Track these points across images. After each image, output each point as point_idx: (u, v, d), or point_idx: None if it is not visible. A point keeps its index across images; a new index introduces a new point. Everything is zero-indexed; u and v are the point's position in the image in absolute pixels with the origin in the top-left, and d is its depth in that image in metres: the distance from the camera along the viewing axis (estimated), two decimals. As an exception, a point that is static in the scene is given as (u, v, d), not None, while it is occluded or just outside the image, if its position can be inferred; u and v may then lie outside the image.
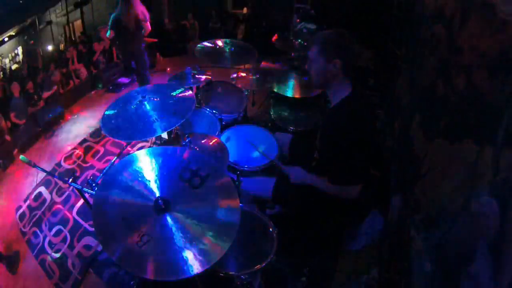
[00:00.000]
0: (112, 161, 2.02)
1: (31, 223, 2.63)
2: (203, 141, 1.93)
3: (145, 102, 1.66)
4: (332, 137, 1.50)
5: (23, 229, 2.61)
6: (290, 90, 2.52)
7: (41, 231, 2.53)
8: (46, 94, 4.24)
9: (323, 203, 1.61)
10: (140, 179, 1.20)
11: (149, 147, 2.63)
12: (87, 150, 3.39)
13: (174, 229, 1.08)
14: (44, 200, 2.84)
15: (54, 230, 2.51)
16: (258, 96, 3.20)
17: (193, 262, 0.99)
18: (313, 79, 1.54)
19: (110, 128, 1.58)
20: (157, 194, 1.16)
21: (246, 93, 2.59)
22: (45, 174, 2.38)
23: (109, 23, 3.48)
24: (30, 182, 3.09)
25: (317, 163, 1.71)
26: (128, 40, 3.63)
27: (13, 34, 4.88)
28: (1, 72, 4.35)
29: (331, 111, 1.57)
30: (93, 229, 2.29)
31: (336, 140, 1.45)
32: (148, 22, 3.56)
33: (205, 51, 2.64)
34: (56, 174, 3.05)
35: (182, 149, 1.36)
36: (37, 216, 2.68)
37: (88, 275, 2.09)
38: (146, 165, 1.24)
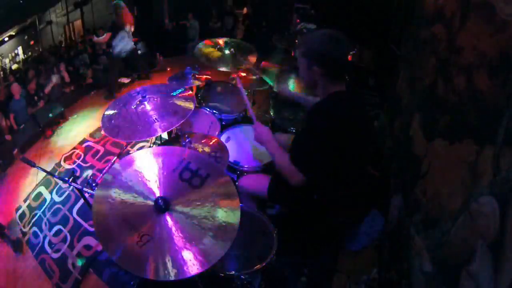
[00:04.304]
0: (112, 161, 2.02)
1: (31, 223, 2.63)
2: (203, 141, 1.94)
3: (145, 102, 1.66)
4: (305, 130, 1.49)
5: (23, 229, 2.61)
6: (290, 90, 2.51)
7: (41, 231, 2.53)
8: (47, 90, 4.26)
9: (321, 203, 1.60)
10: (140, 179, 1.19)
11: (149, 147, 2.64)
12: (87, 150, 3.39)
13: (174, 229, 1.07)
14: (44, 200, 2.84)
15: (54, 230, 2.51)
16: (258, 96, 3.19)
17: (193, 262, 0.99)
18: (300, 78, 1.55)
19: (110, 128, 1.58)
20: (157, 194, 1.16)
21: (246, 93, 2.59)
22: (45, 174, 2.39)
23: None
24: (30, 182, 3.09)
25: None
26: None
27: (13, 34, 4.88)
28: (1, 72, 4.35)
29: (311, 108, 1.54)
30: (93, 229, 2.28)
31: (307, 134, 1.45)
32: None
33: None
34: (56, 174, 3.05)
35: (182, 149, 1.36)
36: (37, 216, 2.68)
37: (88, 275, 2.09)
38: (146, 165, 1.24)
